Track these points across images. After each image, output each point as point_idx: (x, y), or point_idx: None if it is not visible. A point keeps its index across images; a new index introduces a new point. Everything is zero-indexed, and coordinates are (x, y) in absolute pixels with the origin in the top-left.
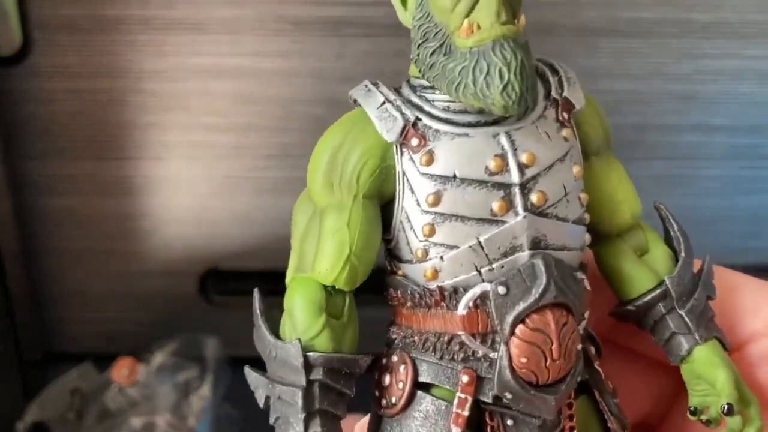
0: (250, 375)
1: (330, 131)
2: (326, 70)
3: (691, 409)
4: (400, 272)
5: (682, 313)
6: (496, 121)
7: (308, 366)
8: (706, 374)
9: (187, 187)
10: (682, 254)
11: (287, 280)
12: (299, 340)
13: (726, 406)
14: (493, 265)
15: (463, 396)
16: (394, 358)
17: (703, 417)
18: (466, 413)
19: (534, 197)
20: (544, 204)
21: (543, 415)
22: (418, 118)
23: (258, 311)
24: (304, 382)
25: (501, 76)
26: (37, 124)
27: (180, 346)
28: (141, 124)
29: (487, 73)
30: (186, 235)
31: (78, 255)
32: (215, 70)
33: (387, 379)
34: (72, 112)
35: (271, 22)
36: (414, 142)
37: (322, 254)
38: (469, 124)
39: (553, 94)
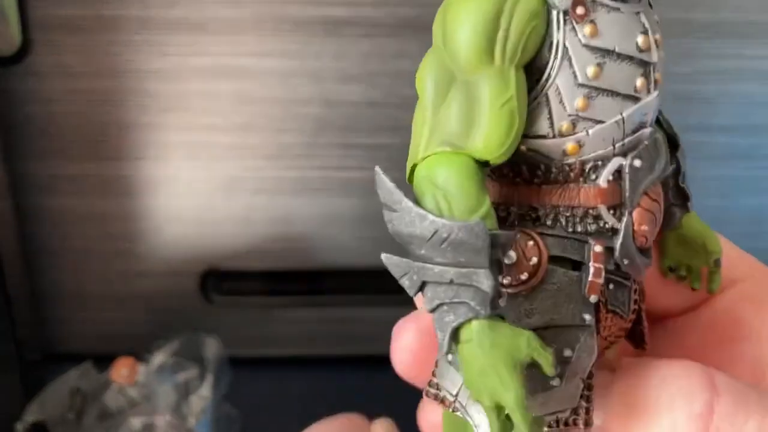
0: (392, 260)
1: None
2: (326, 70)
3: (671, 266)
4: (523, 147)
5: (684, 185)
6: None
7: (494, 245)
8: (695, 236)
9: (187, 187)
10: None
11: (419, 156)
12: (473, 222)
13: (717, 260)
14: (625, 141)
15: (598, 266)
16: (516, 236)
17: (683, 272)
18: (600, 281)
19: (658, 76)
20: (658, 84)
21: (638, 278)
22: None
23: (392, 188)
24: (487, 263)
25: None
26: (36, 124)
27: (180, 346)
28: (140, 124)
29: None
30: (186, 235)
31: (78, 255)
32: (215, 70)
33: (513, 256)
34: (71, 112)
35: (270, 22)
36: (579, 10)
37: (488, 126)
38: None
39: None
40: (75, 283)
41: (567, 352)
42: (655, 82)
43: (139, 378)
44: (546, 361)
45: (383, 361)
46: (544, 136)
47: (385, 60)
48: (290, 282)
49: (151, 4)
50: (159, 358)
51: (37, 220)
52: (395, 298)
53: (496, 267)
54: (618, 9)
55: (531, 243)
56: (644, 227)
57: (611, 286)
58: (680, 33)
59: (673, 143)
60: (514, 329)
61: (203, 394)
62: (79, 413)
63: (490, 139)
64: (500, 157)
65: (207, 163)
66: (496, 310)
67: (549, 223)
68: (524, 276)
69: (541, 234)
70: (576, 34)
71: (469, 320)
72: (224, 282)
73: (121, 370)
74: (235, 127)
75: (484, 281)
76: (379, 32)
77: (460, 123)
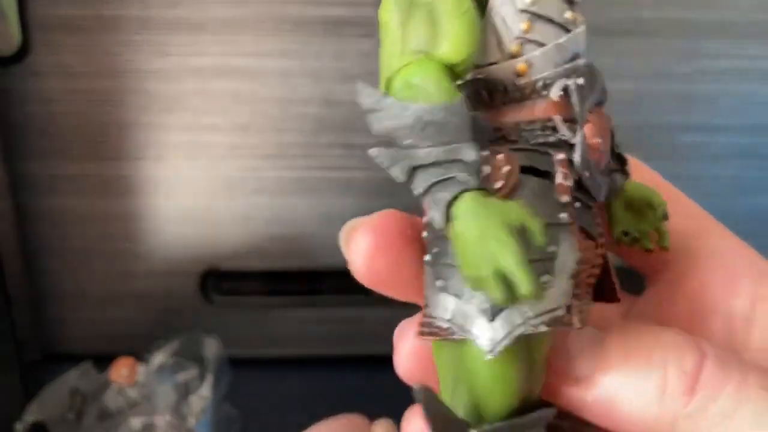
0: (381, 151)
1: None
2: (326, 70)
3: (624, 231)
4: (481, 76)
5: (619, 151)
6: None
7: (475, 121)
8: (640, 198)
9: (187, 187)
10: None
11: (394, 68)
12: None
13: (665, 213)
14: (566, 66)
15: (564, 170)
16: (485, 152)
17: (636, 236)
18: (568, 183)
19: (579, 16)
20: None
21: (599, 198)
22: None
23: (373, 90)
24: (470, 137)
25: None
26: (36, 123)
27: (180, 346)
28: (141, 124)
29: None
30: (186, 235)
31: (77, 255)
32: (215, 70)
33: (486, 169)
34: (71, 112)
35: (270, 22)
36: None
37: (453, 32)
38: None
39: None
40: (75, 283)
41: (551, 248)
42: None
43: (139, 378)
44: (536, 226)
45: (383, 361)
46: (496, 62)
47: None
48: (290, 282)
49: (151, 4)
50: (159, 358)
51: (37, 220)
52: (395, 297)
53: (479, 144)
54: None
55: (501, 156)
56: (596, 140)
57: (577, 205)
58: (680, 33)
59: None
60: (502, 200)
61: (203, 394)
62: (79, 413)
63: (456, 43)
64: (466, 60)
65: (207, 163)
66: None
67: (513, 138)
68: (499, 184)
69: (509, 149)
70: None
71: (462, 192)
72: (224, 282)
73: (121, 370)
74: (235, 127)
75: (469, 152)
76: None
77: (427, 34)
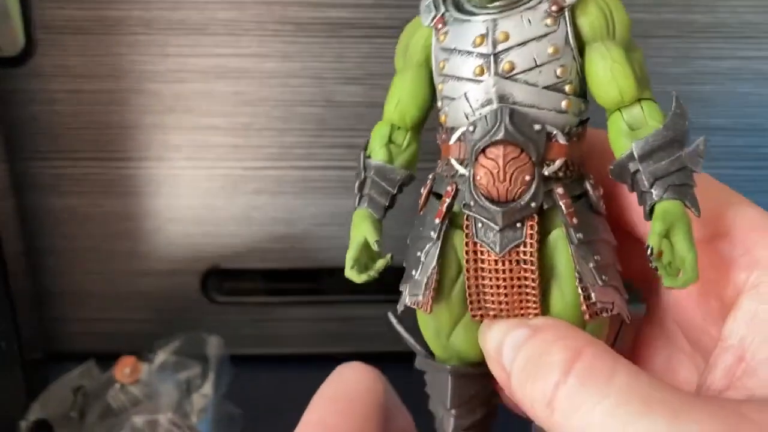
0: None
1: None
2: (326, 71)
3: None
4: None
5: (645, 174)
6: (494, 12)
7: (366, 167)
8: (651, 227)
9: (189, 186)
10: (660, 126)
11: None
12: (366, 153)
13: (648, 248)
14: (476, 114)
15: (445, 199)
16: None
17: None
18: (444, 209)
19: (503, 65)
20: (512, 71)
21: (497, 224)
22: (446, 10)
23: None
24: (363, 176)
25: None
26: (39, 124)
27: (182, 345)
28: (143, 125)
29: None
30: (188, 235)
31: (80, 254)
32: (217, 71)
33: (422, 191)
34: (74, 112)
35: (271, 23)
36: (439, 25)
37: (387, 100)
38: (473, 14)
39: None
40: (78, 282)
41: (418, 254)
42: (502, 69)
43: (142, 377)
44: (371, 238)
45: (384, 359)
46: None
47: (385, 61)
48: (292, 281)
49: (154, 5)
50: (161, 356)
51: (40, 219)
52: (395, 297)
53: (371, 181)
54: (468, 20)
55: (428, 181)
56: (480, 178)
57: (479, 225)
58: (677, 34)
59: None
60: (362, 222)
61: (205, 393)
62: (82, 412)
63: (386, 108)
64: (394, 118)
65: (209, 163)
66: (362, 200)
67: (439, 169)
68: (420, 203)
69: (436, 176)
70: (438, 41)
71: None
72: (226, 281)
73: (124, 368)
74: (237, 127)
75: (356, 185)
76: (379, 34)
77: (389, 93)
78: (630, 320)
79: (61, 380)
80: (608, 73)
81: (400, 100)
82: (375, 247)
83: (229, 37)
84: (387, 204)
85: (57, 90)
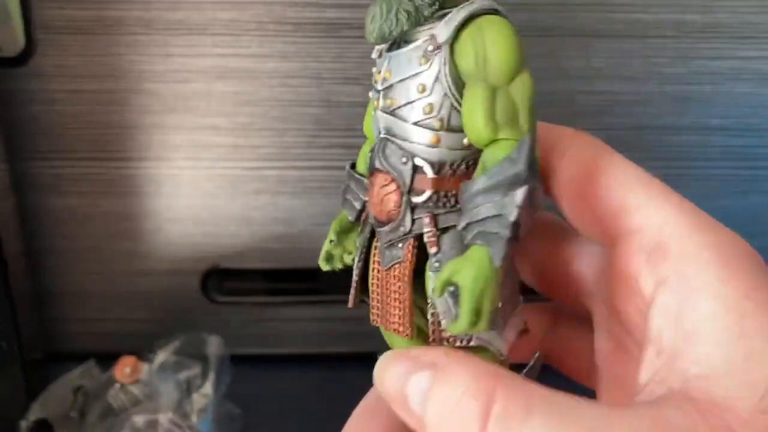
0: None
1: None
2: (325, 71)
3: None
4: None
5: (463, 217)
6: (392, 51)
7: (348, 176)
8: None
9: (189, 186)
10: (484, 176)
11: None
12: (351, 164)
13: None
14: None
15: (365, 215)
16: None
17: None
18: (362, 222)
19: (386, 101)
20: (391, 106)
21: (381, 241)
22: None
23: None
24: (345, 184)
25: (372, 15)
26: (39, 124)
27: (182, 345)
28: (143, 125)
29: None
30: (188, 235)
31: (80, 254)
32: (216, 71)
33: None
34: (74, 112)
35: (271, 24)
36: (378, 58)
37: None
38: (387, 50)
39: (434, 30)
40: (78, 282)
41: (356, 258)
42: (385, 104)
43: (142, 376)
44: (329, 235)
45: None
46: None
47: None
48: (291, 281)
49: (154, 6)
50: (161, 356)
51: (40, 219)
52: None
53: (347, 187)
54: (381, 57)
55: None
56: (370, 199)
57: (379, 243)
58: (675, 34)
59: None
60: (334, 222)
61: (205, 392)
62: (83, 412)
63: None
64: (370, 140)
65: (209, 163)
66: (342, 203)
67: None
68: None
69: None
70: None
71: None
72: (226, 281)
73: (124, 368)
74: (237, 127)
75: (342, 190)
76: None
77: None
78: (503, 355)
79: (61, 380)
80: (467, 114)
81: (366, 123)
82: (329, 244)
83: (229, 37)
84: (360, 208)
85: (57, 90)
